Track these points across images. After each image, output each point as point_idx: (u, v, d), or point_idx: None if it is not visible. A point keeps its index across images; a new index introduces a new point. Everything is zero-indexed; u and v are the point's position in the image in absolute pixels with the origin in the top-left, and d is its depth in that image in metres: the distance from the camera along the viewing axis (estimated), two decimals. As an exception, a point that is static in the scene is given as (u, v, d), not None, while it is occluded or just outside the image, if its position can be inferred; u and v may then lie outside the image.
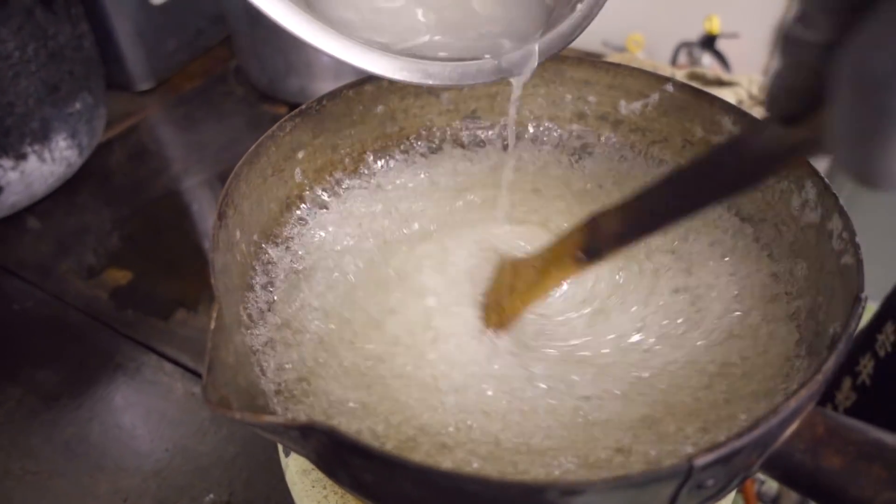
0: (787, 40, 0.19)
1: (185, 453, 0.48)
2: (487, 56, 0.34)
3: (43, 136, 0.66)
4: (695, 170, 0.25)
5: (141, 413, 0.51)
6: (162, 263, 0.65)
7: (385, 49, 0.32)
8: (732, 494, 0.37)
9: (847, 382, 0.58)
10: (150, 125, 0.84)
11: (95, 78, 0.72)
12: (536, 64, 0.35)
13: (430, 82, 0.33)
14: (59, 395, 0.52)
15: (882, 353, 0.54)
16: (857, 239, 0.29)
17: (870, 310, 0.60)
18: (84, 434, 0.50)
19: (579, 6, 0.36)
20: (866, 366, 0.56)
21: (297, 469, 0.37)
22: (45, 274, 0.63)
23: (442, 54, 0.34)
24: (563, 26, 0.35)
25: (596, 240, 0.29)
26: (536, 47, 0.35)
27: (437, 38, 0.35)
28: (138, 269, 0.64)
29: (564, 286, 0.37)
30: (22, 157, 0.65)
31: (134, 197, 0.73)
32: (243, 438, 0.49)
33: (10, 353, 0.56)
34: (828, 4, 0.17)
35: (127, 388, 0.53)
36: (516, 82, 0.36)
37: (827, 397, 0.61)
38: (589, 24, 0.36)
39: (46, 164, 0.67)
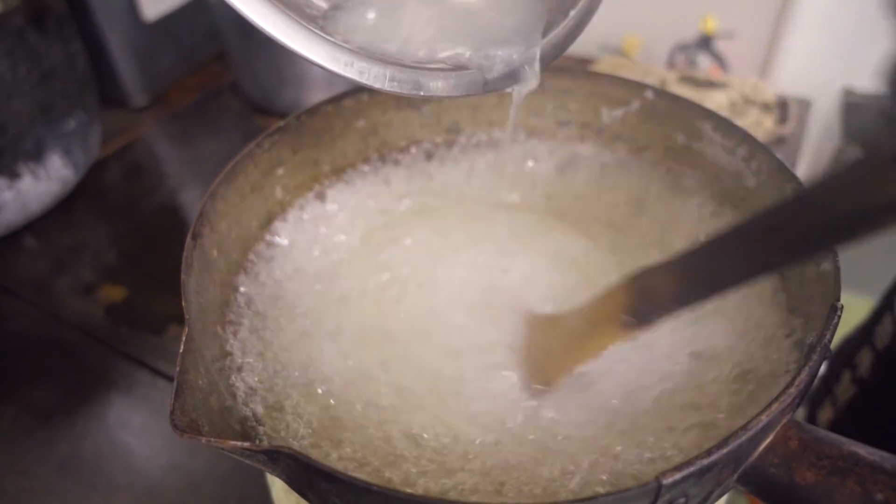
0: None
1: (177, 470, 0.48)
2: (479, 68, 0.32)
3: (37, 155, 0.66)
4: (764, 223, 0.20)
5: (134, 430, 0.51)
6: (157, 279, 0.65)
7: (376, 56, 0.30)
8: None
9: (846, 375, 0.57)
10: (146, 141, 0.85)
11: (89, 96, 0.73)
12: (537, 79, 0.33)
13: (422, 94, 0.31)
14: (54, 413, 0.52)
15: (880, 346, 0.53)
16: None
17: (867, 305, 0.59)
18: (78, 452, 0.50)
19: (572, 13, 0.34)
20: (865, 359, 0.55)
21: (282, 486, 0.37)
22: (42, 292, 0.63)
23: (434, 64, 0.32)
24: (557, 34, 0.34)
25: (646, 302, 0.25)
26: (537, 52, 0.33)
27: (429, 46, 0.34)
28: (133, 285, 0.64)
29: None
30: (17, 176, 0.65)
31: (130, 213, 0.73)
32: (235, 454, 0.49)
33: (6, 372, 0.56)
34: None
35: (121, 405, 0.53)
36: (517, 92, 0.34)
37: (826, 391, 0.61)
38: (583, 29, 0.34)
39: (42, 183, 0.68)
